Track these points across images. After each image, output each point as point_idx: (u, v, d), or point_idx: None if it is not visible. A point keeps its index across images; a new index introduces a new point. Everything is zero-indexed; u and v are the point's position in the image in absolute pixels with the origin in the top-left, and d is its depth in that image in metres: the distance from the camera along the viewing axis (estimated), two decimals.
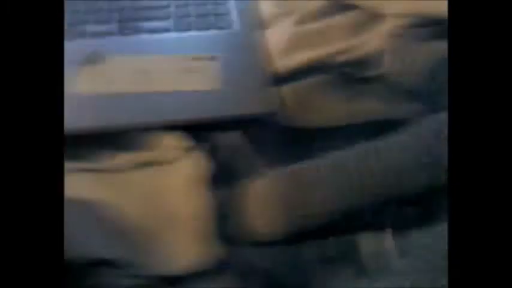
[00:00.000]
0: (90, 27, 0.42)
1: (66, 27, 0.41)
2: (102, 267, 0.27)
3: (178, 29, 0.43)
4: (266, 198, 0.31)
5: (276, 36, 0.42)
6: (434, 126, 0.31)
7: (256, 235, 0.30)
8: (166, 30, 0.43)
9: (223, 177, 0.33)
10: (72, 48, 0.37)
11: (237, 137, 0.35)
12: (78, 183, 0.31)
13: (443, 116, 0.31)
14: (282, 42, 0.41)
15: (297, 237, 0.29)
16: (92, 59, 0.39)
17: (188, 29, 0.43)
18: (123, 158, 0.35)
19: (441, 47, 0.36)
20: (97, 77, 0.38)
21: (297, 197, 0.30)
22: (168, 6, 0.45)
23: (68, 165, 0.30)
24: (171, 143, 0.35)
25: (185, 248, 0.30)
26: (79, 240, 0.27)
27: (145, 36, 0.42)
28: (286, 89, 0.38)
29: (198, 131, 0.35)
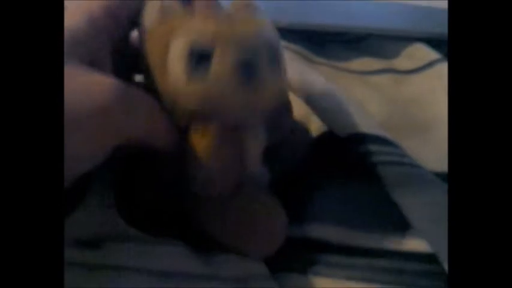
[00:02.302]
0: None
1: None
2: (373, 143, 0.26)
3: None
4: None
5: None
6: None
7: None
8: None
9: None
10: None
11: None
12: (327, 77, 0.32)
13: None
14: None
15: None
16: None
17: None
18: (365, 62, 0.36)
19: None
20: None
21: None
22: None
23: (316, 59, 0.35)
24: (415, 53, 0.36)
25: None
26: (346, 116, 0.27)
27: None
28: None
29: (444, 47, 0.35)
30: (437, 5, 0.37)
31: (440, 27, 0.36)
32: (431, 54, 0.35)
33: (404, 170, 0.25)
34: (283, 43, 0.33)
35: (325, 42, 0.36)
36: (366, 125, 0.27)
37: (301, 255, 0.24)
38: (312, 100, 0.29)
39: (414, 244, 0.24)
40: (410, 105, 0.33)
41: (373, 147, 0.26)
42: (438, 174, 0.27)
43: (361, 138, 0.26)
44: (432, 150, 0.30)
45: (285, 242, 0.23)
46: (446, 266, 0.23)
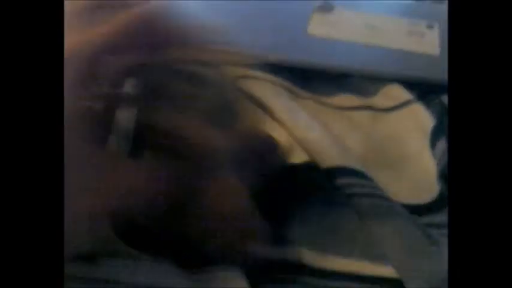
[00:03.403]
0: None
1: None
2: (349, 176, 0.28)
3: None
4: None
5: None
6: None
7: None
8: None
9: (441, 132, 0.35)
10: None
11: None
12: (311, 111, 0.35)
13: None
14: None
15: None
16: (324, 8, 0.43)
17: None
18: (346, 99, 0.38)
19: None
20: (329, 24, 0.42)
21: None
22: None
23: (302, 93, 0.37)
24: (392, 92, 0.38)
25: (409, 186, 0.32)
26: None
27: None
28: None
29: (418, 89, 0.38)
30: (413, 50, 0.41)
31: (415, 70, 0.39)
32: (406, 94, 0.38)
33: (375, 202, 0.28)
34: (271, 77, 0.36)
35: (310, 78, 0.39)
36: (343, 158, 0.29)
37: (280, 276, 0.26)
38: (296, 133, 0.31)
39: (385, 270, 0.26)
40: (385, 141, 0.36)
41: (348, 180, 0.28)
42: (407, 206, 0.29)
43: (339, 171, 0.28)
44: (404, 184, 0.32)
45: (266, 263, 0.25)
46: None
